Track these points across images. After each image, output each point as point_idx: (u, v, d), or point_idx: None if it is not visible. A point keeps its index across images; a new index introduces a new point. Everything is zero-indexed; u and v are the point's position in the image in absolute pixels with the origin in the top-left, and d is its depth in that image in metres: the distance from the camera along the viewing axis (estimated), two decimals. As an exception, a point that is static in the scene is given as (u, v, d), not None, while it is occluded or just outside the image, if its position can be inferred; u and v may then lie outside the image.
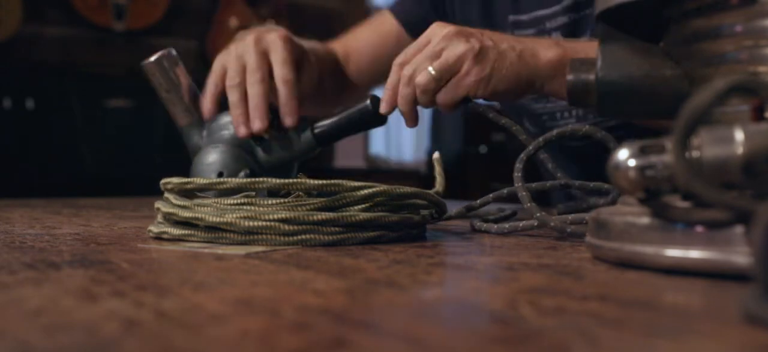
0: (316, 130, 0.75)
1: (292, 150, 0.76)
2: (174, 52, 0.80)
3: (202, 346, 0.24)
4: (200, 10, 2.95)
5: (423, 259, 0.44)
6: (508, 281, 0.38)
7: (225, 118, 0.79)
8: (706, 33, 0.42)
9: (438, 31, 0.71)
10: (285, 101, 0.74)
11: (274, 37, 0.76)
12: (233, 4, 2.98)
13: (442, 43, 0.70)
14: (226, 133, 0.77)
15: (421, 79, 0.70)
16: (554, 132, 0.64)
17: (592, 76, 0.48)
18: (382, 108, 0.73)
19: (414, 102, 0.72)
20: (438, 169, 0.69)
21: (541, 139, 0.63)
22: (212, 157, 0.76)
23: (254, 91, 0.74)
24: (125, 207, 0.93)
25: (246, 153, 0.76)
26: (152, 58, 0.78)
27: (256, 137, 0.75)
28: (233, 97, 0.75)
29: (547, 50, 0.71)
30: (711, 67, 0.42)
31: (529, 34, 0.89)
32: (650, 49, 0.46)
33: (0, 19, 2.57)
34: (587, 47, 0.73)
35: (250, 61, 0.75)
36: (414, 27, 1.00)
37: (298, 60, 0.79)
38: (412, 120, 0.74)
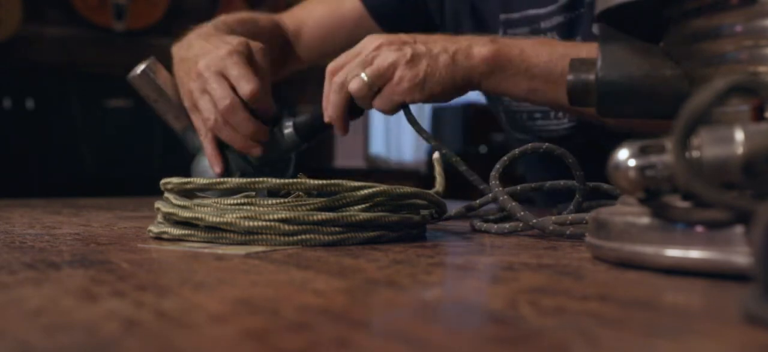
0: (297, 125, 0.77)
1: (281, 147, 0.77)
2: (155, 61, 0.81)
3: (202, 346, 0.24)
4: (200, 10, 2.95)
5: (423, 259, 0.44)
6: (508, 281, 0.38)
7: None
8: (706, 33, 0.42)
9: (369, 43, 0.73)
10: (259, 110, 0.75)
11: (223, 57, 0.75)
12: (232, 5, 2.99)
13: (373, 52, 0.72)
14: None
15: (353, 85, 0.72)
16: (517, 151, 0.64)
17: (591, 76, 0.48)
18: (325, 118, 0.75)
19: (343, 110, 0.74)
20: (438, 170, 0.70)
21: (516, 151, 0.64)
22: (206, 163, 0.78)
23: (237, 120, 0.74)
24: (125, 207, 0.93)
25: (238, 154, 0.77)
26: (136, 72, 0.79)
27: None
28: (210, 142, 0.77)
29: (481, 47, 0.73)
30: (711, 67, 0.42)
31: (523, 33, 0.89)
32: (650, 49, 0.46)
33: (0, 19, 2.57)
34: (523, 43, 0.74)
35: (216, 93, 0.74)
36: (382, 15, 0.99)
37: (250, 57, 0.78)
38: (342, 129, 0.76)
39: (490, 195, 0.63)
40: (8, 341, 0.24)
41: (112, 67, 2.78)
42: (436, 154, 0.72)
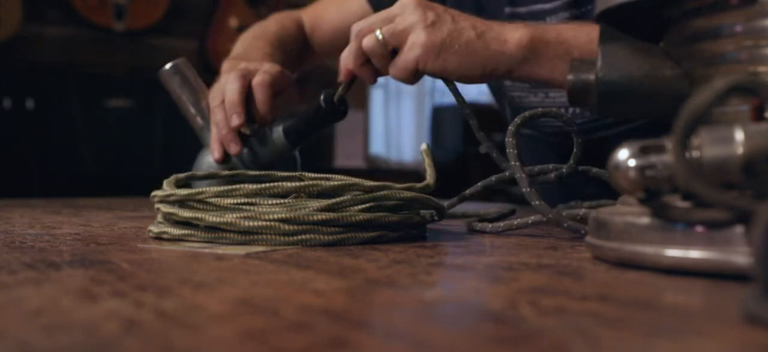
0: (286, 129, 0.77)
1: (272, 149, 0.79)
2: (186, 61, 0.85)
3: (202, 346, 0.24)
4: (200, 10, 2.95)
5: (423, 259, 0.44)
6: (508, 281, 0.38)
7: None
8: (706, 33, 0.42)
9: (400, 2, 0.70)
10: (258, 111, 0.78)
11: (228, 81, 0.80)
12: (233, 4, 2.98)
13: (398, 10, 0.70)
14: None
15: (367, 42, 0.70)
16: (528, 113, 0.64)
17: (592, 76, 0.48)
18: (340, 77, 0.74)
19: (362, 57, 0.72)
20: (427, 162, 0.66)
21: (526, 113, 0.63)
22: (206, 158, 0.81)
23: (230, 87, 0.77)
24: (125, 207, 0.93)
25: (237, 157, 0.80)
26: (167, 67, 0.83)
27: (241, 135, 0.78)
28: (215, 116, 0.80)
29: (513, 32, 0.69)
30: (711, 67, 0.42)
31: (522, 13, 0.89)
32: (650, 49, 0.46)
33: (0, 19, 2.57)
34: (556, 26, 0.72)
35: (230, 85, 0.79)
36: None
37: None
38: (370, 76, 0.73)
39: (508, 172, 0.63)
40: (8, 341, 0.24)
41: (112, 67, 2.79)
42: (423, 145, 0.68)
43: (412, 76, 0.70)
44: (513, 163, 0.60)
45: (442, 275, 0.41)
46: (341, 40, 1.01)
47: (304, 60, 1.05)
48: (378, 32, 0.69)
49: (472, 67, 0.69)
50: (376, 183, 0.54)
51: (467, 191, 0.69)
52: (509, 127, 0.62)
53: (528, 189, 0.57)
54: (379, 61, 0.71)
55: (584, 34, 0.70)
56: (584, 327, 0.26)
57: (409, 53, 0.69)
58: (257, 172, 0.61)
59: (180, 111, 0.85)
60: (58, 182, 2.39)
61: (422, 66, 0.69)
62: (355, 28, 0.72)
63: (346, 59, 0.73)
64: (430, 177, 0.62)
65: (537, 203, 0.56)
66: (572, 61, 0.51)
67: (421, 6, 0.69)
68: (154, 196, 0.56)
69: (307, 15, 1.06)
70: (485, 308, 0.31)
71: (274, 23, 1.02)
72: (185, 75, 0.84)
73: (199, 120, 0.83)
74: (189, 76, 0.84)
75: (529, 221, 0.58)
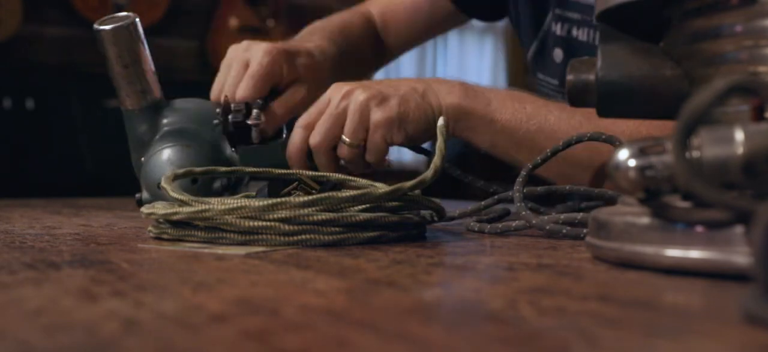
0: (283, 143, 0.74)
1: (274, 157, 0.73)
2: (138, 21, 0.71)
3: (202, 346, 0.24)
4: (200, 10, 2.95)
5: (423, 259, 0.44)
6: (508, 281, 0.38)
7: (189, 105, 0.73)
8: (706, 33, 0.42)
9: (336, 92, 0.72)
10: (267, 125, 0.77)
11: (256, 49, 0.78)
12: (233, 4, 2.98)
13: (342, 101, 0.71)
14: (192, 126, 0.72)
15: (345, 153, 0.71)
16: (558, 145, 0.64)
17: (592, 76, 0.48)
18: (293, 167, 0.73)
19: (337, 162, 0.73)
20: (440, 142, 0.60)
21: (548, 151, 0.64)
22: (176, 155, 0.70)
23: (233, 73, 0.77)
24: (125, 207, 0.93)
25: (215, 151, 0.72)
26: (111, 26, 0.68)
27: (232, 134, 0.72)
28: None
29: (447, 94, 0.72)
30: (711, 67, 0.42)
31: (575, 18, 0.88)
32: (650, 49, 0.46)
33: (0, 19, 2.57)
34: (493, 94, 0.73)
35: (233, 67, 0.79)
36: None
37: (280, 76, 0.80)
38: (356, 169, 0.74)
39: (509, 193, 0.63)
40: (8, 341, 0.24)
41: (112, 67, 2.79)
42: (440, 121, 0.63)
43: (385, 153, 0.73)
44: (519, 205, 0.60)
45: (442, 275, 0.41)
46: (416, 28, 1.02)
47: (379, 56, 1.04)
48: (345, 138, 0.71)
49: (425, 125, 0.72)
50: (387, 189, 0.54)
51: (482, 203, 0.69)
52: (518, 179, 0.63)
53: (526, 213, 0.58)
54: (357, 161, 0.73)
55: (509, 110, 0.72)
56: (584, 327, 0.26)
57: (376, 135, 0.70)
58: (256, 169, 0.61)
59: (115, 81, 0.72)
60: (58, 182, 2.39)
61: (390, 140, 0.71)
62: (315, 142, 0.71)
63: (326, 169, 0.72)
64: (437, 159, 0.60)
65: (534, 222, 0.56)
66: (572, 62, 0.51)
67: (361, 87, 0.71)
68: (152, 214, 0.55)
69: (376, 8, 1.04)
70: (485, 308, 0.31)
71: (337, 17, 1.00)
72: (136, 40, 0.70)
73: (139, 99, 0.71)
74: (139, 44, 0.71)
75: (528, 224, 0.58)
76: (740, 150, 0.33)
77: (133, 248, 0.49)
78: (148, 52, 0.72)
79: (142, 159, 0.73)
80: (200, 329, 0.26)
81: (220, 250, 0.47)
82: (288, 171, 0.52)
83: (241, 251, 0.47)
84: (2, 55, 2.59)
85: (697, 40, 0.43)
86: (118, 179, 2.32)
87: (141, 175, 0.74)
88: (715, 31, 0.41)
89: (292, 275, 0.38)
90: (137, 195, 0.74)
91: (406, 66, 3.47)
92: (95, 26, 0.69)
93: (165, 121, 0.73)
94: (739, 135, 0.34)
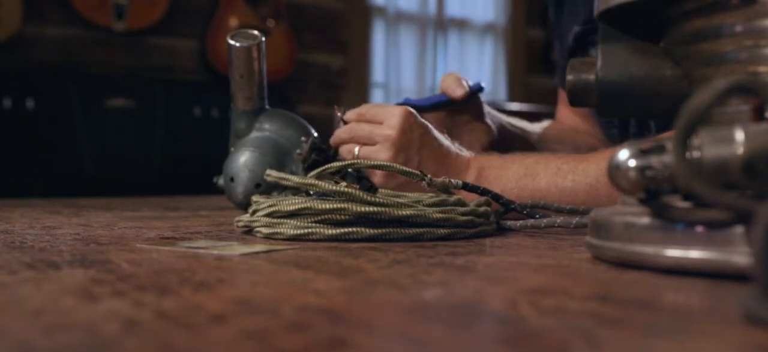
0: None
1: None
2: (263, 41, 0.83)
3: (202, 346, 0.24)
4: (200, 10, 2.95)
5: (423, 259, 0.44)
6: (508, 281, 0.38)
7: (283, 121, 0.83)
8: (706, 33, 0.42)
9: (388, 130, 0.76)
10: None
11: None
12: (233, 4, 2.98)
13: (379, 137, 0.76)
14: (276, 139, 0.82)
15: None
16: None
17: (592, 76, 0.48)
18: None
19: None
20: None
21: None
22: (249, 159, 0.80)
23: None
24: (125, 207, 0.93)
25: (283, 166, 0.81)
26: (238, 44, 0.81)
27: (309, 166, 0.80)
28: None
29: (464, 174, 0.77)
30: (711, 67, 0.42)
31: None
32: (650, 49, 0.46)
33: (0, 20, 2.57)
34: (498, 168, 0.77)
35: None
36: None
37: None
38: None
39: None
40: (8, 341, 0.24)
41: (112, 67, 2.78)
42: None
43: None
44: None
45: (442, 275, 0.41)
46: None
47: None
48: (356, 150, 0.78)
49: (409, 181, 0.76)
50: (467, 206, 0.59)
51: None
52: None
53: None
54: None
55: (513, 174, 0.76)
56: (584, 327, 0.26)
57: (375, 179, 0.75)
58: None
59: (232, 84, 0.83)
60: (58, 182, 2.39)
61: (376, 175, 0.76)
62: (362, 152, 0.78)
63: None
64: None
65: (544, 224, 0.60)
66: (572, 61, 0.51)
67: (395, 146, 0.75)
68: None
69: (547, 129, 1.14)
70: (485, 308, 0.31)
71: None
72: (257, 58, 0.82)
73: (248, 103, 0.82)
74: (260, 60, 0.83)
75: (557, 222, 0.60)
76: (740, 150, 0.33)
77: (133, 248, 0.49)
78: (264, 67, 0.84)
79: (232, 149, 0.85)
80: (200, 329, 0.26)
81: (220, 250, 0.47)
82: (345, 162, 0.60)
83: (242, 250, 0.47)
84: (2, 55, 2.59)
85: (697, 40, 0.43)
86: (118, 179, 2.32)
87: (224, 162, 0.85)
88: (715, 31, 0.41)
89: (292, 275, 0.38)
90: (215, 178, 0.88)
91: (406, 66, 3.47)
92: (227, 39, 0.82)
93: (258, 125, 0.84)
94: (740, 135, 0.34)
